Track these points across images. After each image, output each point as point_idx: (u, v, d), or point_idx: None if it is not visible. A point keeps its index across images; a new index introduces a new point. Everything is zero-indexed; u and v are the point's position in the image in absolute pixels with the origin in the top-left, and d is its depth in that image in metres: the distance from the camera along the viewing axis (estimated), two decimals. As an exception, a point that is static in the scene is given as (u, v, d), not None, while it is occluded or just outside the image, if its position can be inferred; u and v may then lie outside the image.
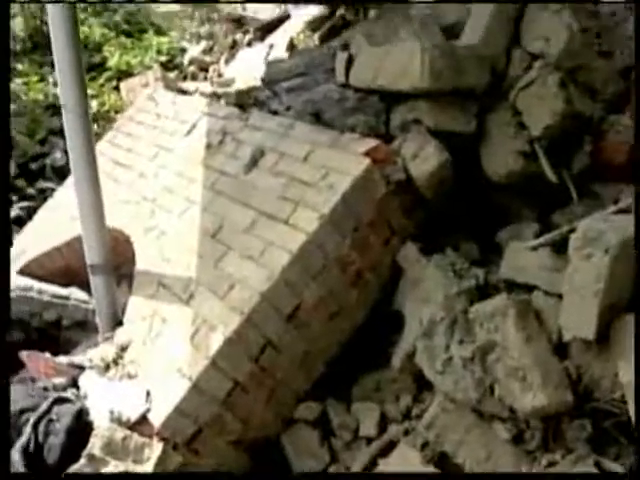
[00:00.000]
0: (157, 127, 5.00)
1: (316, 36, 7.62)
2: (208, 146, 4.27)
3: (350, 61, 3.93)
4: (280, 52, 7.77)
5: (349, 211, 3.34)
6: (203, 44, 9.74)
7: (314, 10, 8.57)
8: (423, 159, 3.46)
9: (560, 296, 2.89)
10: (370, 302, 3.61)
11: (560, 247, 3.09)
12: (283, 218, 3.41)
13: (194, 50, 9.67)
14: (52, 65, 8.67)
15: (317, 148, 3.60)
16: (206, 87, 7.26)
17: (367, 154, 3.38)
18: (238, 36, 9.41)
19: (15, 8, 10.27)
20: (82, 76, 3.70)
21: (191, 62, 9.06)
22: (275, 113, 4.22)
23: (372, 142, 3.47)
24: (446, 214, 3.70)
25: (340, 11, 8.22)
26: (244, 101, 4.60)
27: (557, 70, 3.57)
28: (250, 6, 10.42)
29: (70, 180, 5.35)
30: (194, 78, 8.53)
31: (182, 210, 4.02)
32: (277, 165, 3.72)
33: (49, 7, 3.56)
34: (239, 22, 10.08)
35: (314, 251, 3.28)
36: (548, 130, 3.49)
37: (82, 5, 9.98)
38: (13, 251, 5.36)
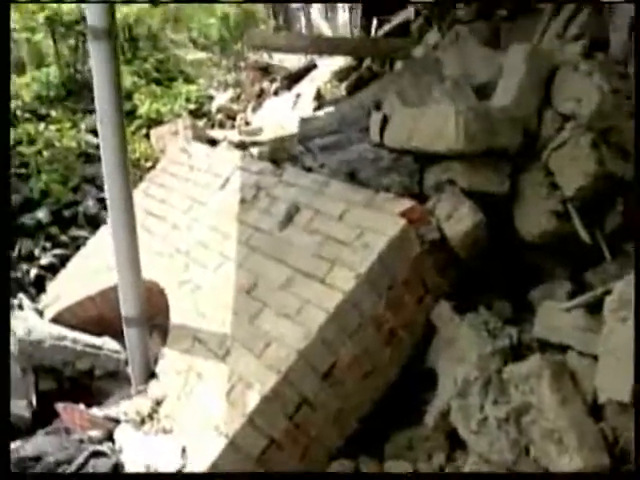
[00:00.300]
0: (190, 179, 5.09)
1: (343, 86, 7.77)
2: (242, 201, 4.34)
3: (385, 121, 4.02)
4: (307, 101, 7.93)
5: (385, 270, 3.38)
6: (230, 92, 9.96)
7: (340, 60, 8.75)
8: (457, 219, 3.51)
9: (595, 357, 2.90)
10: (403, 360, 3.62)
11: (594, 308, 3.11)
12: (319, 276, 3.45)
13: (222, 98, 9.88)
14: (85, 112, 8.92)
15: (352, 207, 3.67)
16: (234, 136, 7.41)
17: (403, 214, 3.44)
18: (265, 84, 9.61)
19: (50, 57, 10.58)
20: (122, 123, 3.78)
21: (219, 110, 9.25)
22: (309, 170, 4.30)
23: (407, 203, 3.53)
24: (479, 272, 3.73)
25: (367, 62, 8.39)
26: (277, 156, 4.69)
27: (589, 131, 3.62)
28: (276, 54, 10.65)
29: (103, 229, 5.48)
30: (222, 126, 8.69)
31: (217, 265, 4.07)
32: (312, 223, 3.78)
33: (93, 56, 3.63)
34: (266, 70, 10.31)
35: (350, 310, 3.32)
36: (581, 191, 3.53)
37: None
38: (46, 298, 5.46)
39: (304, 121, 4.91)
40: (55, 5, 9.60)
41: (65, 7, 9.62)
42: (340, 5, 21.30)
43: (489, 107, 3.77)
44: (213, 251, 4.22)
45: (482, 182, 3.67)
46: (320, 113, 5.91)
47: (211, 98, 10.11)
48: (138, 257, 3.92)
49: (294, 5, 19.46)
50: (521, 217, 3.72)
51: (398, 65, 7.47)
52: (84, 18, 9.32)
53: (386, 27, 10.70)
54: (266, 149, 5.43)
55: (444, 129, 3.53)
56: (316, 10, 22.12)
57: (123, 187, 3.79)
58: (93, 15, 3.11)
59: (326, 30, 19.26)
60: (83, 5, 9.05)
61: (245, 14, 13.88)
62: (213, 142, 7.53)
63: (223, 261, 4.05)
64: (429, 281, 3.59)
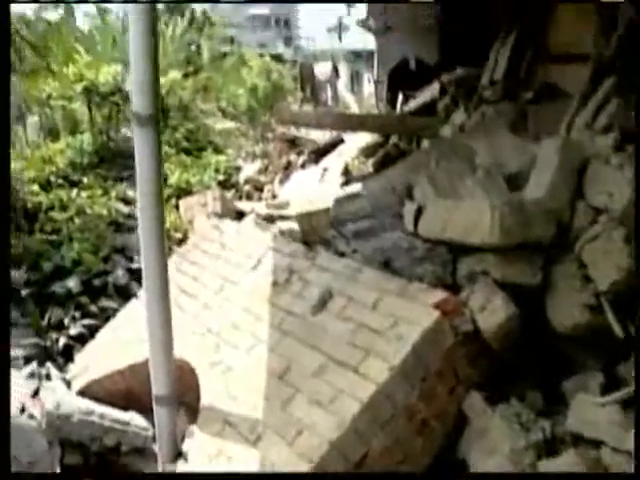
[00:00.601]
0: (222, 257, 5.15)
1: (370, 162, 7.90)
2: (274, 283, 4.39)
3: (419, 211, 4.09)
4: (334, 176, 8.05)
5: (418, 362, 3.39)
6: (258, 163, 10.14)
7: (367, 136, 8.91)
8: (491, 312, 3.53)
9: (629, 453, 2.88)
10: (435, 450, 3.59)
11: (629, 403, 3.10)
12: (353, 365, 3.46)
13: (249, 169, 10.06)
14: (116, 179, 9.13)
15: (386, 296, 3.70)
16: (261, 208, 7.52)
17: (437, 306, 3.47)
18: (292, 157, 9.79)
19: (84, 124, 10.89)
20: (161, 199, 3.82)
21: (246, 181, 9.41)
22: (342, 254, 4.37)
23: (441, 294, 3.56)
24: (511, 363, 3.73)
25: (393, 139, 8.56)
26: (310, 238, 4.76)
27: (622, 225, 3.66)
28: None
29: (134, 302, 5.54)
30: (249, 197, 8.83)
31: (249, 347, 4.10)
32: (346, 309, 3.82)
33: (136, 140, 3.70)
34: (293, 142, 10.50)
35: (383, 401, 3.32)
36: (615, 285, 3.54)
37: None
38: (74, 368, 5.49)
39: (337, 205, 5.00)
40: (93, 76, 9.94)
41: (102, 78, 9.96)
42: (366, 78, 21.87)
43: (523, 200, 3.84)
44: (245, 333, 4.24)
45: (515, 274, 3.70)
46: (352, 190, 5.99)
47: (239, 169, 10.32)
48: (171, 334, 3.95)
49: (321, 78, 20.01)
50: (554, 309, 3.73)
51: (425, 144, 7.62)
52: (120, 89, 9.66)
53: (412, 103, 10.96)
54: (298, 230, 5.50)
55: (479, 222, 3.59)
56: (342, 83, 22.73)
57: (159, 260, 3.83)
58: (139, 102, 3.22)
59: (352, 102, 19.74)
60: (128, 87, 9.33)
61: (273, 86, 14.28)
62: (241, 214, 7.67)
63: (255, 343, 4.08)
64: (461, 372, 3.59)
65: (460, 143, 6.34)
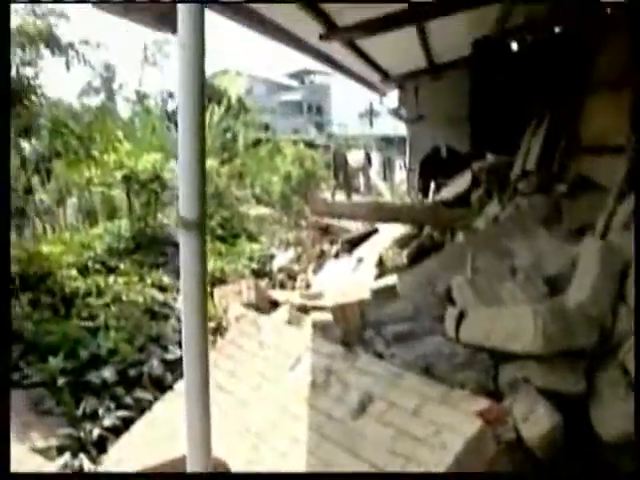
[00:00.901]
0: (259, 355, 5.15)
1: (404, 254, 7.94)
2: (313, 384, 4.37)
3: (460, 316, 4.10)
4: (369, 268, 8.09)
5: (461, 471, 3.33)
6: (291, 251, 10.23)
7: (401, 227, 9.00)
8: (534, 421, 3.48)
9: None
10: None
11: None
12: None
13: (283, 257, 10.15)
14: (152, 266, 9.26)
15: (427, 402, 3.67)
16: (295, 298, 7.56)
17: (480, 414, 3.43)
18: (325, 246, 9.87)
19: (123, 209, 11.11)
20: (205, 295, 3.84)
21: (280, 270, 9.48)
22: (380, 356, 4.36)
23: (484, 402, 3.53)
24: (556, 472, 3.64)
25: (427, 229, 8.63)
26: (349, 339, 4.77)
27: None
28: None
29: (170, 394, 5.53)
30: (283, 286, 8.88)
31: (286, 449, 4.06)
32: (386, 415, 3.78)
33: (182, 244, 3.75)
34: (326, 230, 10.62)
35: (426, 512, 3.25)
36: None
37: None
38: (108, 461, 5.44)
39: (376, 306, 5.02)
40: (132, 164, 10.25)
41: (141, 166, 10.26)
42: (398, 165, 22.30)
43: (565, 307, 3.83)
44: (283, 434, 4.21)
45: (558, 381, 3.67)
46: (388, 283, 6.01)
47: (272, 257, 10.43)
48: (210, 429, 3.90)
49: (354, 165, 20.39)
50: (599, 417, 3.67)
51: (459, 235, 7.66)
52: (158, 177, 9.91)
53: (444, 192, 11.10)
54: (333, 323, 5.50)
55: (521, 330, 3.59)
56: (374, 170, 23.17)
57: (201, 354, 3.83)
58: (186, 206, 3.30)
59: (384, 190, 20.08)
60: (166, 175, 9.56)
61: (307, 173, 14.56)
62: (275, 303, 7.71)
63: (293, 445, 4.04)
64: None
65: (496, 237, 6.39)
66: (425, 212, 8.59)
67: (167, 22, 3.14)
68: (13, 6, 8.55)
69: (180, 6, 2.58)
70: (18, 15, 8.51)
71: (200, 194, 3.14)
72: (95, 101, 15.57)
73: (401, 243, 8.37)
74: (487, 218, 7.76)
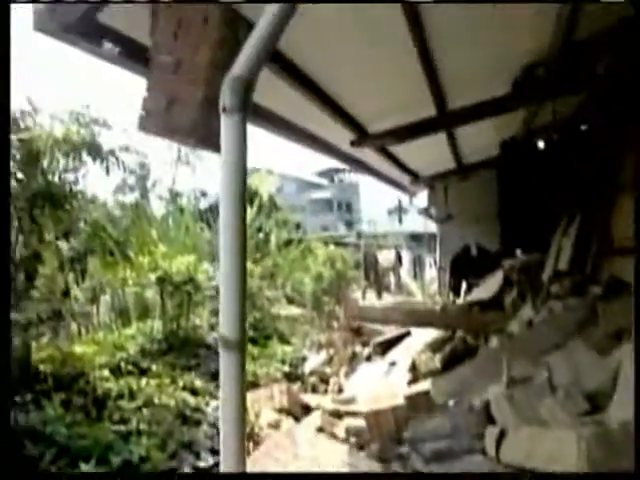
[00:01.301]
0: (294, 468, 5.07)
1: (437, 358, 7.86)
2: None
3: (500, 435, 4.02)
4: (402, 372, 8.00)
5: None
6: (323, 354, 10.17)
7: (434, 331, 8.94)
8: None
9: None
10: None
11: None
12: None
13: (315, 360, 10.08)
14: (184, 368, 9.24)
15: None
16: (327, 402, 7.47)
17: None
18: (357, 348, 9.80)
19: (155, 309, 11.20)
20: (244, 412, 3.79)
21: (312, 373, 9.41)
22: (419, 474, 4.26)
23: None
24: None
25: (460, 333, 8.56)
26: (386, 455, 4.68)
27: None
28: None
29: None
30: (315, 390, 8.78)
31: None
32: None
33: (221, 363, 3.74)
34: (358, 332, 10.57)
35: None
36: None
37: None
38: None
39: (415, 423, 4.94)
40: (167, 265, 10.41)
41: (175, 268, 10.40)
42: (427, 263, 22.36)
43: (609, 428, 3.74)
44: None
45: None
46: (423, 389, 5.93)
47: (304, 359, 10.36)
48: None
49: (384, 265, 20.52)
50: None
51: (493, 341, 7.59)
52: (192, 279, 10.02)
53: (475, 292, 11.07)
54: (366, 430, 5.42)
55: (565, 453, 3.51)
56: (405, 269, 23.26)
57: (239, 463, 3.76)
58: (226, 325, 3.33)
59: (415, 289, 20.11)
60: (200, 277, 9.68)
61: (337, 274, 14.64)
62: (307, 408, 7.62)
63: None
64: None
65: (531, 343, 6.32)
66: (458, 317, 8.55)
67: (211, 143, 3.27)
68: (58, 114, 8.96)
69: (223, 127, 2.70)
70: (63, 124, 8.90)
71: (241, 314, 3.17)
72: (129, 198, 15.99)
73: (434, 347, 8.28)
74: (521, 322, 7.70)
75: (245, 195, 2.77)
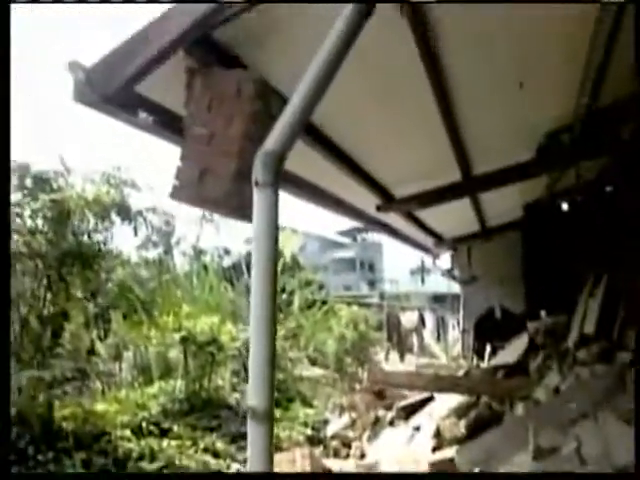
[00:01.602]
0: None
1: (462, 424, 7.75)
2: None
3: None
4: (425, 438, 7.89)
5: None
6: (345, 417, 10.06)
7: (458, 396, 8.82)
8: None
9: None
10: None
11: None
12: None
13: (337, 423, 9.98)
14: (205, 429, 9.18)
15: None
16: (350, 468, 7.37)
17: None
18: (380, 412, 9.68)
19: (178, 369, 11.18)
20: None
21: (334, 437, 9.30)
22: None
23: None
24: None
25: (485, 398, 8.44)
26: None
27: None
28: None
29: None
30: (337, 454, 8.67)
31: None
32: None
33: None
34: (380, 395, 10.45)
35: None
36: None
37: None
38: None
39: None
40: (191, 325, 10.45)
41: (199, 328, 10.44)
42: (451, 324, 22.23)
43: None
44: None
45: None
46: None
47: (326, 422, 10.26)
48: None
49: (407, 326, 20.41)
50: None
51: (519, 407, 7.47)
52: (215, 340, 10.04)
53: (500, 356, 10.95)
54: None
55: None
56: (428, 331, 23.10)
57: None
58: (255, 396, 3.33)
59: (438, 351, 19.94)
60: (223, 338, 9.71)
61: (360, 335, 14.59)
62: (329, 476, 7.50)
63: None
64: None
65: (558, 411, 6.22)
66: (483, 383, 8.46)
67: (242, 214, 3.34)
68: (90, 174, 9.19)
69: (256, 200, 2.77)
70: (94, 184, 9.12)
71: (270, 385, 3.17)
72: (153, 254, 16.16)
73: (459, 412, 8.15)
74: (547, 389, 7.59)
75: (277, 266, 2.83)
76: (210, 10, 3.38)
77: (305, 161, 5.76)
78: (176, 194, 3.50)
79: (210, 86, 3.63)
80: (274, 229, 2.79)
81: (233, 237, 21.84)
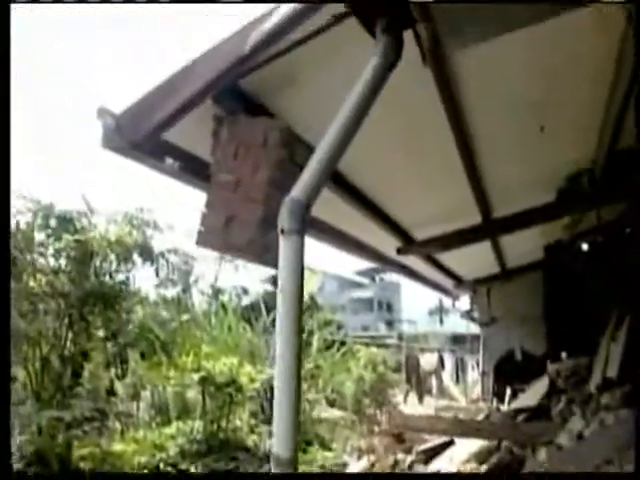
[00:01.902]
0: None
1: (483, 469, 7.65)
2: None
3: None
4: (447, 482, 7.77)
5: None
6: (364, 460, 9.94)
7: (478, 440, 8.70)
8: None
9: None
10: None
11: None
12: None
13: (355, 466, 9.86)
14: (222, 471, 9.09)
15: None
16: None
17: None
18: (400, 455, 9.55)
19: (196, 409, 11.14)
20: None
21: (354, 491, 9.16)
22: None
23: None
24: None
25: (506, 442, 8.32)
26: None
27: None
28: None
29: None
30: (357, 499, 8.55)
31: None
32: None
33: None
34: (399, 437, 10.32)
35: None
36: None
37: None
38: None
39: None
40: (210, 366, 10.44)
41: (217, 369, 10.42)
42: (470, 366, 22.05)
43: None
44: None
45: None
46: None
47: (345, 465, 10.14)
48: None
49: (426, 368, 20.25)
50: None
51: (542, 453, 7.35)
52: (234, 380, 10.02)
53: (520, 399, 10.80)
54: None
55: None
56: (447, 373, 22.89)
57: None
58: (279, 445, 3.32)
59: (457, 393, 19.71)
60: (242, 380, 9.67)
61: (379, 377, 14.49)
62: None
63: None
64: None
65: (582, 458, 6.13)
66: (504, 427, 8.33)
67: (267, 260, 3.39)
68: (113, 215, 9.32)
69: (281, 247, 2.80)
70: (117, 225, 9.24)
71: (294, 433, 3.15)
72: (171, 292, 16.21)
73: (480, 458, 8.04)
74: (570, 434, 7.46)
75: (302, 313, 2.84)
76: (236, 59, 3.47)
77: (327, 205, 5.80)
78: (202, 240, 3.56)
79: (236, 134, 3.70)
80: (300, 276, 2.81)
81: (251, 276, 21.81)
